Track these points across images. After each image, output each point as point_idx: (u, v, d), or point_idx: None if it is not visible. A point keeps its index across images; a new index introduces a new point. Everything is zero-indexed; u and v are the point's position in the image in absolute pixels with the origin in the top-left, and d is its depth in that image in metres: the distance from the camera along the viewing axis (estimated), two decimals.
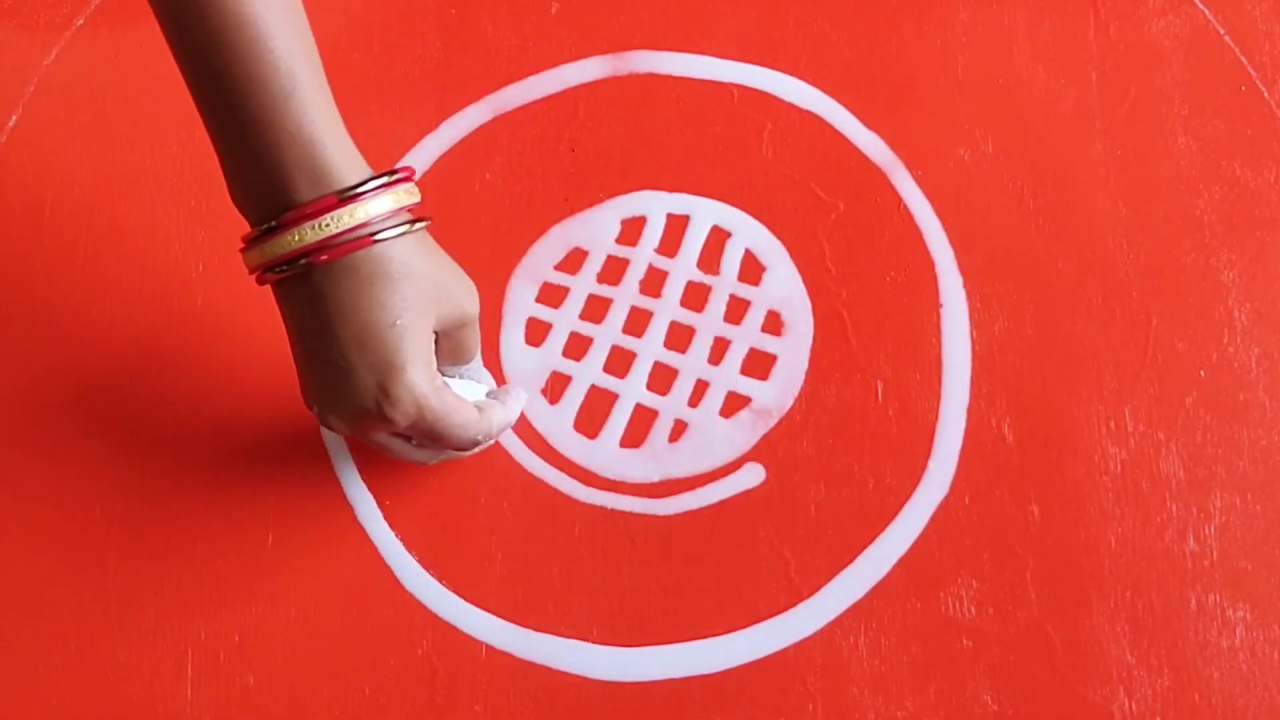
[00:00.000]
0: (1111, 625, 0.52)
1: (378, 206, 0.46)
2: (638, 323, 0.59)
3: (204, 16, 0.45)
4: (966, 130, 0.61)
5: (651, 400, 0.57)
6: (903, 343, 0.57)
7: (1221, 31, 0.62)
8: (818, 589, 0.54)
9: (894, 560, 0.54)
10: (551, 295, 0.59)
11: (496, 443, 0.56)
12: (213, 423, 0.57)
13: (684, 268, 0.59)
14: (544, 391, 0.58)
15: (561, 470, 0.56)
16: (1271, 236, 0.58)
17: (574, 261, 0.60)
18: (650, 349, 0.58)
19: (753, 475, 0.56)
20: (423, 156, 0.62)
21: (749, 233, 0.60)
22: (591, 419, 0.57)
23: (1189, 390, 0.56)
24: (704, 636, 0.53)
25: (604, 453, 0.57)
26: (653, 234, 0.60)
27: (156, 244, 0.60)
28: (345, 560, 0.55)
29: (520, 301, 0.59)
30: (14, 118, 0.63)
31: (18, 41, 0.65)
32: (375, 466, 0.56)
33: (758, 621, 0.53)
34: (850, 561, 0.54)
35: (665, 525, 0.55)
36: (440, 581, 0.55)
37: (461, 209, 0.60)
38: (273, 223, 0.46)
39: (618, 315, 0.59)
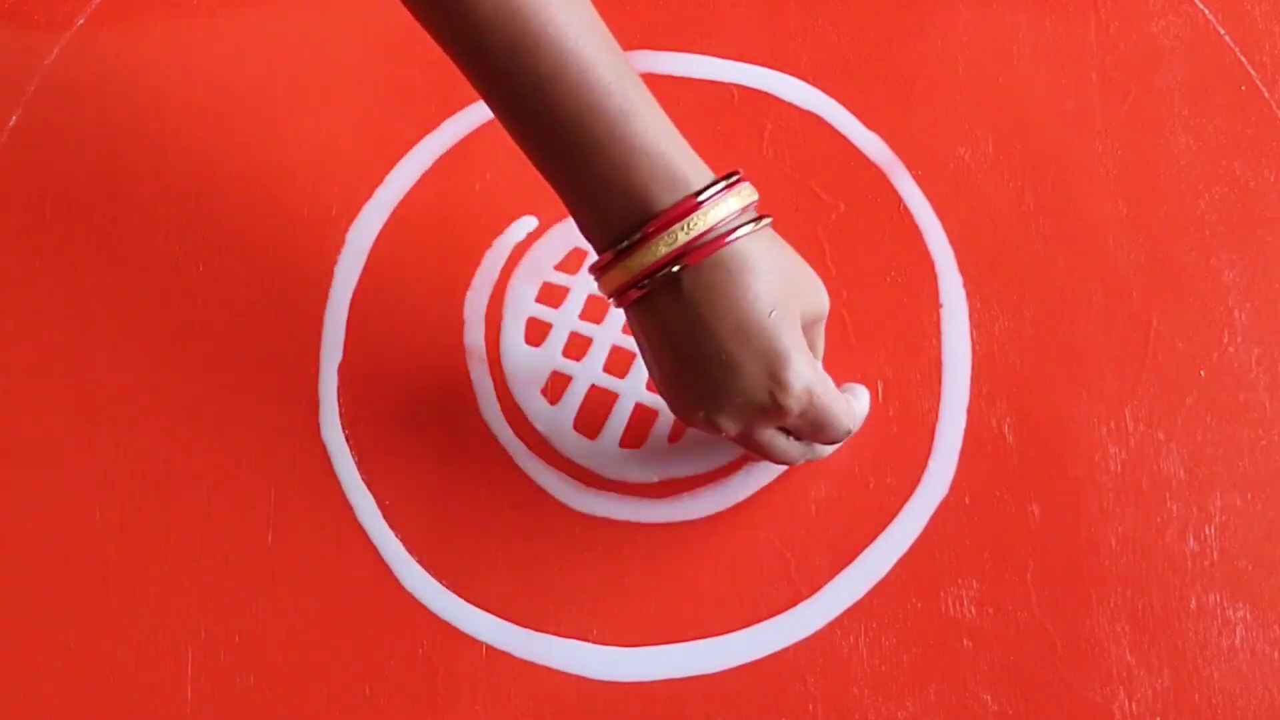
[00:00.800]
0: (1111, 625, 0.52)
1: (729, 205, 0.46)
2: None
3: (527, 62, 0.46)
4: (966, 130, 0.61)
5: (651, 400, 0.57)
6: (903, 343, 0.57)
7: (1221, 31, 0.62)
8: (818, 589, 0.54)
9: (894, 560, 0.54)
10: (551, 295, 0.59)
11: (496, 442, 0.56)
12: (213, 423, 0.57)
13: None
14: (544, 391, 0.58)
15: (561, 470, 0.56)
16: (1271, 236, 0.58)
17: (574, 261, 0.60)
18: None
19: (753, 475, 0.56)
20: (423, 156, 0.62)
21: None
22: (591, 419, 0.57)
23: (1189, 390, 0.56)
24: (704, 636, 0.53)
25: (604, 453, 0.57)
26: None
27: (157, 244, 0.60)
28: (345, 560, 0.55)
29: (520, 301, 0.59)
30: (14, 118, 0.63)
31: (18, 41, 0.65)
32: (375, 466, 0.56)
33: (758, 621, 0.53)
34: (850, 561, 0.54)
35: (665, 525, 0.55)
36: (440, 581, 0.55)
37: (461, 209, 0.60)
38: (636, 235, 0.46)
39: (618, 315, 0.59)
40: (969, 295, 0.58)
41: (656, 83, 0.62)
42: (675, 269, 0.46)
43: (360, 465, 0.57)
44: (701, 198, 0.46)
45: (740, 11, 0.64)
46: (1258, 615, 0.52)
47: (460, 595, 0.55)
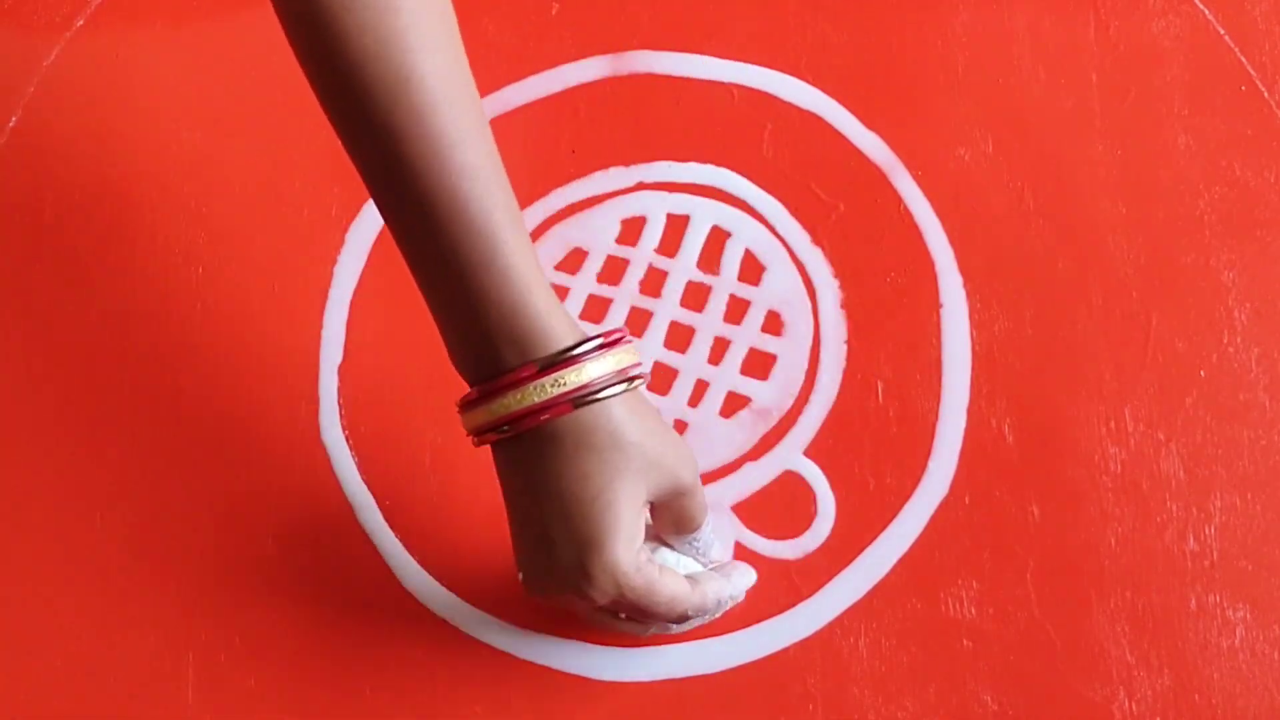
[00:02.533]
0: (1111, 625, 0.52)
1: (588, 373, 0.45)
2: (638, 323, 0.59)
3: (408, 188, 0.45)
4: (966, 130, 0.61)
5: (651, 400, 0.57)
6: (903, 343, 0.57)
7: (1221, 31, 0.62)
8: (818, 589, 0.54)
9: (894, 560, 0.54)
10: None
11: None
12: (212, 424, 0.57)
13: (684, 268, 0.59)
14: None
15: None
16: (1271, 236, 0.58)
17: (574, 261, 0.60)
18: (650, 349, 0.58)
19: (753, 475, 0.56)
20: None
21: (749, 233, 0.60)
22: None
23: (1189, 390, 0.56)
24: (704, 636, 0.53)
25: None
26: (653, 234, 0.60)
27: (156, 246, 0.61)
28: (345, 560, 0.55)
29: None
30: (14, 118, 0.63)
31: (18, 41, 0.65)
32: (375, 467, 0.56)
33: (758, 621, 0.53)
34: (850, 561, 0.54)
35: None
36: (440, 581, 0.55)
37: None
38: (484, 386, 0.46)
39: (618, 315, 0.59)
40: (969, 295, 0.58)
41: (656, 83, 0.63)
42: (505, 430, 0.45)
43: (360, 465, 0.57)
44: (547, 365, 0.44)
45: (740, 11, 0.64)
46: (1258, 615, 0.52)
47: (460, 595, 0.55)
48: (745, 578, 0.53)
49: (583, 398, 0.44)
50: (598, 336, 0.46)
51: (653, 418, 0.47)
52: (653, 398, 0.57)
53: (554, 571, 0.46)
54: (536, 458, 0.45)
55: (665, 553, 0.51)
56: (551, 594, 0.47)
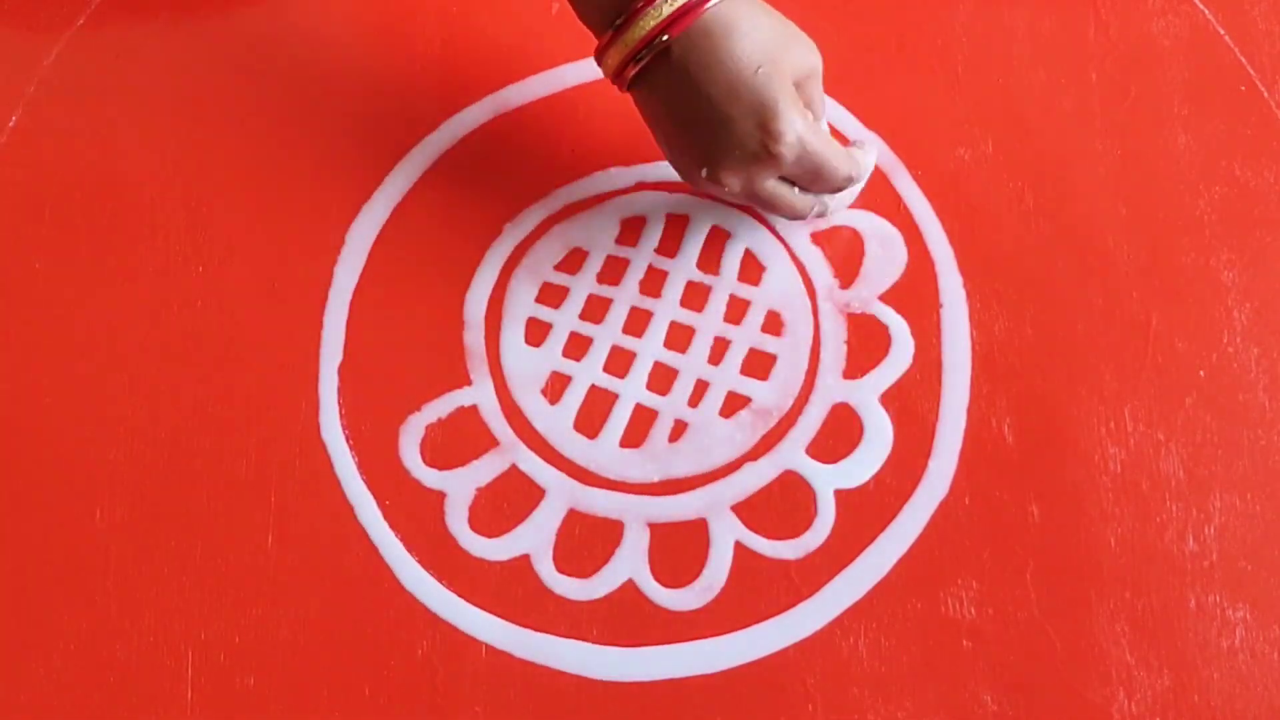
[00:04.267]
0: (1111, 625, 0.52)
1: None
2: (638, 323, 0.59)
3: None
4: (966, 130, 0.61)
5: (651, 400, 0.57)
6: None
7: (1221, 31, 0.62)
8: (818, 589, 0.54)
9: (894, 560, 0.54)
10: (551, 295, 0.59)
11: (495, 440, 0.56)
12: (212, 423, 0.57)
13: (684, 268, 0.59)
14: (544, 391, 0.58)
15: (561, 470, 0.56)
16: (1271, 236, 0.58)
17: (574, 261, 0.60)
18: (650, 349, 0.58)
19: (753, 475, 0.56)
20: (422, 156, 0.62)
21: (749, 233, 0.60)
22: (591, 419, 0.57)
23: (1189, 390, 0.56)
24: (704, 636, 0.53)
25: (604, 453, 0.57)
26: (653, 234, 0.60)
27: (157, 244, 0.61)
28: (345, 560, 0.55)
29: (520, 301, 0.59)
30: (14, 118, 0.63)
31: (18, 41, 0.65)
32: (375, 466, 0.56)
33: (758, 621, 0.53)
34: (850, 561, 0.54)
35: (665, 524, 0.55)
36: (440, 581, 0.55)
37: (461, 209, 0.60)
38: (619, 21, 0.51)
39: (618, 315, 0.59)
40: (969, 295, 0.58)
41: None
42: (664, 38, 0.50)
43: (360, 465, 0.57)
44: None
45: None
46: (1258, 615, 0.52)
47: (460, 595, 0.55)
48: (872, 149, 0.58)
49: None
50: None
51: (773, 11, 0.52)
52: (653, 398, 0.57)
53: (739, 145, 0.51)
54: (692, 56, 0.51)
55: None
56: (739, 169, 0.52)
